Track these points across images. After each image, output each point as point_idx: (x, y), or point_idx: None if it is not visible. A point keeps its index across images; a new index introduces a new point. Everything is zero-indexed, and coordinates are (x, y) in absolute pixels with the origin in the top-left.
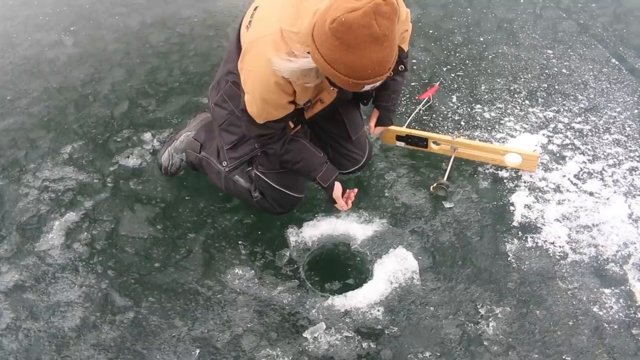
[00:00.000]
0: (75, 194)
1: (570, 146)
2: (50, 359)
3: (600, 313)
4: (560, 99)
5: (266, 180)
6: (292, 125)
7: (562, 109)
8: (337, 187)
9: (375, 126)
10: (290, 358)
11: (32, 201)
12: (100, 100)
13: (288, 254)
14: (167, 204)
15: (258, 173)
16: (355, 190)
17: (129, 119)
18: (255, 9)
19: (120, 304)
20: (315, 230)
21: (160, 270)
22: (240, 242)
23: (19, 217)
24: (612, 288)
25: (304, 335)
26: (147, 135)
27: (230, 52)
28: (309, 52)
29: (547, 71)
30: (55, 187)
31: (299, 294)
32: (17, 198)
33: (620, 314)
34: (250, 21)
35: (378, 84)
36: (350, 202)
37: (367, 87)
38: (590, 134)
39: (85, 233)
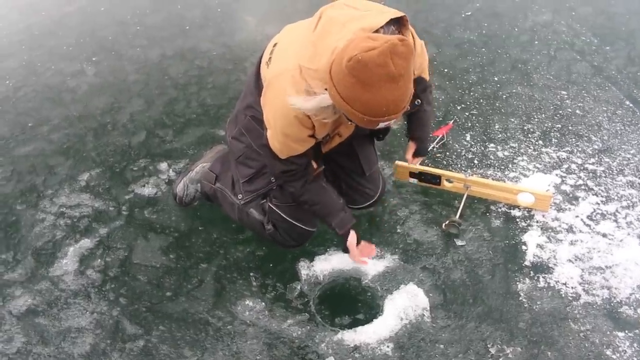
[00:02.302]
0: (91, 221)
1: (583, 187)
2: None
3: (614, 357)
4: (573, 139)
5: (279, 213)
6: (315, 166)
7: (575, 150)
8: (352, 236)
9: (414, 157)
10: None
11: (48, 227)
12: (119, 130)
13: (299, 287)
14: (181, 233)
15: (272, 206)
16: (374, 247)
17: (146, 149)
18: (274, 46)
19: (130, 331)
20: (326, 264)
21: (172, 299)
22: (251, 274)
23: (34, 242)
24: (626, 331)
25: None
26: (163, 165)
27: (248, 86)
28: (326, 89)
29: (560, 112)
30: (71, 214)
31: (308, 327)
32: (33, 223)
33: (634, 358)
34: (270, 57)
35: (392, 122)
36: (367, 256)
37: (381, 125)
38: (603, 175)
39: (99, 260)
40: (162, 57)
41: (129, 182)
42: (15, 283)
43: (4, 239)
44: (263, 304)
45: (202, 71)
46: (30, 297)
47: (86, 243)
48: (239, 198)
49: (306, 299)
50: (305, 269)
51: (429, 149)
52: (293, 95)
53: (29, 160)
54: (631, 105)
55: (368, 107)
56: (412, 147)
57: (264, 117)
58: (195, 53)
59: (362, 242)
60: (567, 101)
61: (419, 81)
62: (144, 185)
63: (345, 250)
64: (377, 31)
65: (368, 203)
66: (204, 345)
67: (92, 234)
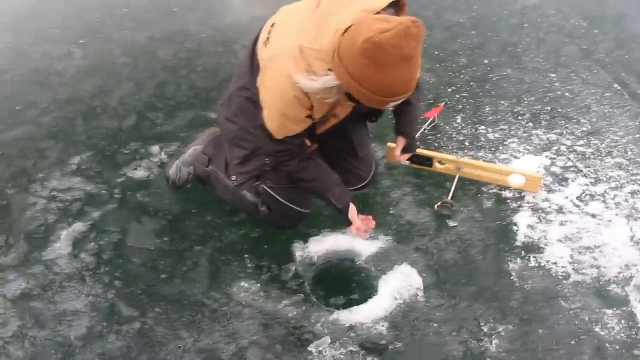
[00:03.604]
0: (83, 205)
1: (572, 168)
2: None
3: (602, 333)
4: (563, 121)
5: (273, 195)
6: (308, 144)
7: (564, 132)
8: (353, 209)
9: (402, 154)
10: None
11: (40, 210)
12: (109, 113)
13: (294, 268)
14: (174, 216)
15: (265, 188)
16: (371, 218)
17: (137, 132)
18: (272, 25)
19: (126, 314)
20: (320, 245)
21: (167, 281)
22: (246, 256)
23: (26, 226)
24: (614, 309)
25: (309, 348)
26: (155, 148)
27: (243, 68)
28: (329, 70)
29: (550, 94)
30: (63, 197)
31: (304, 307)
32: (25, 207)
33: (622, 335)
34: (267, 37)
35: (400, 101)
36: (368, 223)
37: (390, 105)
38: (592, 156)
39: (93, 243)
40: (150, 39)
41: (120, 165)
42: (8, 267)
43: None
44: (258, 285)
45: (191, 54)
46: (24, 281)
47: (79, 226)
48: (233, 180)
49: (301, 280)
50: (299, 250)
51: (420, 132)
52: (293, 75)
53: (18, 144)
54: (619, 88)
55: (380, 87)
56: (401, 142)
57: (261, 97)
58: (184, 35)
59: (361, 216)
60: (556, 84)
61: None
62: (135, 169)
63: (346, 223)
64: (378, 13)
65: (361, 184)
66: (200, 327)
67: (84, 218)
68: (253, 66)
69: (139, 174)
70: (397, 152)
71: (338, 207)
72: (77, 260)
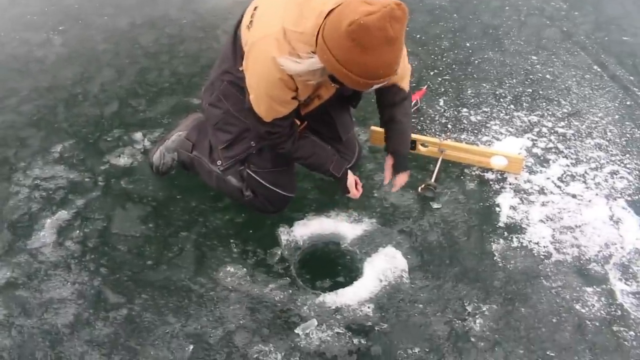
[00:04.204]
0: (67, 193)
1: (554, 150)
2: (44, 355)
3: (583, 311)
4: (544, 103)
5: (258, 179)
6: (298, 122)
7: (546, 114)
8: (351, 176)
9: (394, 173)
10: (282, 354)
11: (23, 199)
12: (90, 100)
13: (279, 252)
14: (159, 202)
15: (250, 172)
16: (357, 176)
17: (120, 119)
18: (255, 9)
19: (113, 300)
20: (305, 229)
21: (153, 267)
22: (231, 241)
23: (9, 215)
24: (594, 287)
25: (296, 331)
26: (138, 135)
27: (225, 53)
28: (312, 52)
29: (531, 76)
30: (46, 186)
31: (290, 291)
32: (7, 196)
33: (602, 312)
34: (251, 21)
35: (385, 83)
36: (360, 188)
37: (375, 87)
38: (573, 138)
39: (77, 231)
40: (132, 25)
41: (103, 153)
42: None
43: None
44: (244, 269)
45: (172, 39)
46: (9, 270)
47: (63, 215)
48: (218, 164)
49: (287, 264)
50: (284, 235)
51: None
52: (278, 57)
53: None
54: (599, 69)
55: (366, 69)
56: (389, 161)
57: (247, 82)
58: (165, 21)
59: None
60: (537, 66)
61: (395, 91)
62: (119, 156)
63: (344, 192)
64: None
65: None
66: (187, 312)
67: (68, 206)
68: (236, 50)
69: (123, 161)
70: (388, 172)
71: (337, 176)
72: (62, 248)
